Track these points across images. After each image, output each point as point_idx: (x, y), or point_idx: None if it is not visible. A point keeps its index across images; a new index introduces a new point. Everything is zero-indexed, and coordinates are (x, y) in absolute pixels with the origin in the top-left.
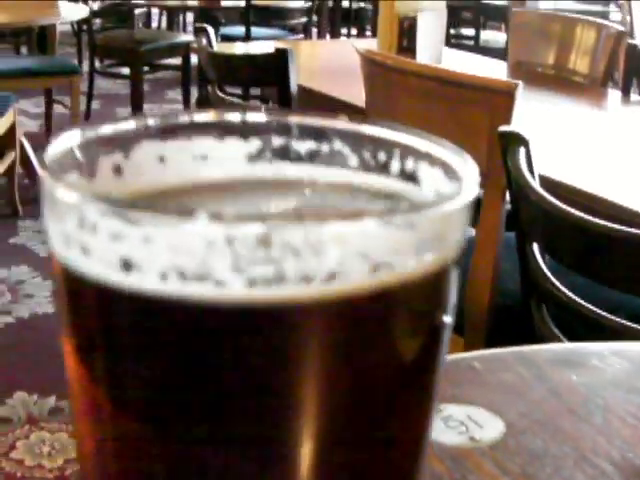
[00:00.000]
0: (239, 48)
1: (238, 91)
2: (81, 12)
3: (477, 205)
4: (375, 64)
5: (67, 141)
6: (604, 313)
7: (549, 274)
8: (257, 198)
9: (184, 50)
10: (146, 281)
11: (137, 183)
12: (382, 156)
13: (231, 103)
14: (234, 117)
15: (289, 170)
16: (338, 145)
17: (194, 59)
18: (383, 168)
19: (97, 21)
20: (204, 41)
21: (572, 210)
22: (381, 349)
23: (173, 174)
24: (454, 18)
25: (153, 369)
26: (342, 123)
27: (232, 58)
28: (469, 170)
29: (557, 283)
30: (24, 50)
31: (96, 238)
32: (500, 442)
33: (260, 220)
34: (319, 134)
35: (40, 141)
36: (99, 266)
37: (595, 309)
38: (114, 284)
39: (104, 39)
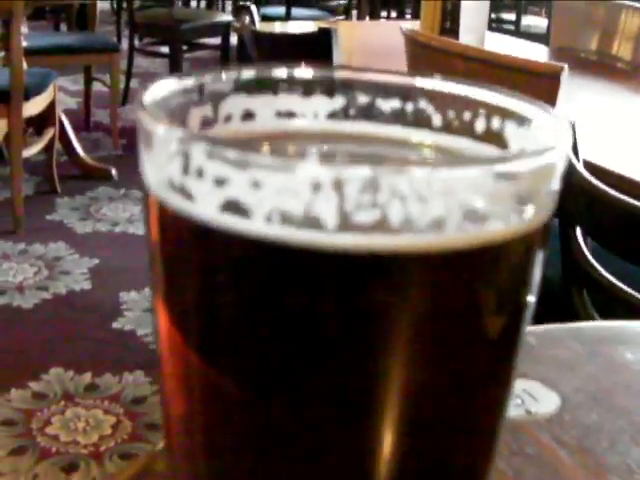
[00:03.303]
0: (281, 27)
1: None
2: None
3: None
4: (419, 45)
5: (160, 89)
6: None
7: (591, 258)
8: (344, 151)
9: (223, 29)
10: (252, 224)
11: (225, 135)
12: (467, 115)
13: None
14: (319, 74)
15: (371, 128)
16: (423, 104)
17: (233, 39)
18: (468, 128)
19: None
20: (247, 19)
21: (616, 193)
22: (474, 307)
23: (258, 129)
24: (495, 2)
25: (253, 313)
26: (427, 81)
27: (275, 37)
28: (562, 127)
29: (599, 267)
30: (63, 27)
31: (202, 181)
32: (556, 416)
33: (368, 165)
34: (404, 93)
35: (79, 118)
36: (204, 209)
37: (637, 294)
38: (219, 227)
39: (144, 17)
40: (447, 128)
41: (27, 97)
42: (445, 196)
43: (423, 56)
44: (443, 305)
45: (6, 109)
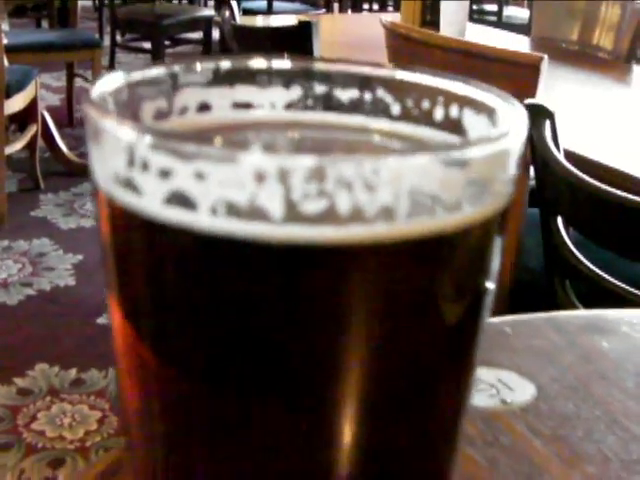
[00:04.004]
0: (262, 21)
1: None
2: None
3: None
4: (400, 37)
5: (110, 83)
6: (628, 287)
7: (573, 248)
8: (298, 141)
9: (205, 24)
10: (197, 217)
11: (179, 127)
12: (426, 104)
13: None
14: (276, 64)
15: (328, 118)
16: (381, 93)
17: (215, 33)
18: (427, 116)
19: None
20: (227, 14)
21: (597, 183)
22: (429, 297)
23: (214, 120)
24: None
25: (202, 306)
26: (385, 71)
27: (255, 30)
28: (518, 114)
29: (581, 257)
30: (45, 24)
31: (147, 174)
32: (531, 405)
33: (314, 154)
34: (362, 82)
35: (61, 115)
36: (149, 202)
37: (619, 283)
38: (165, 220)
39: (125, 13)
40: (406, 117)
41: (8, 94)
42: (394, 184)
43: (403, 48)
44: (394, 295)
45: None
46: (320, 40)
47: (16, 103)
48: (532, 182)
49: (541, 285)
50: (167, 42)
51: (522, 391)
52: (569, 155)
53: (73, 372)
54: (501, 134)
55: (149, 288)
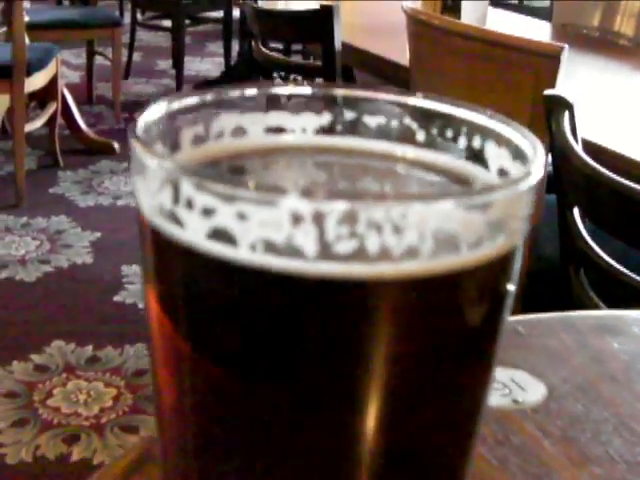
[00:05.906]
0: (283, 4)
1: (280, 46)
2: None
3: None
4: (421, 23)
5: (152, 114)
6: None
7: (590, 240)
8: (330, 172)
9: (226, 3)
10: (238, 252)
11: (216, 153)
12: (450, 133)
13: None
14: (307, 91)
15: (356, 143)
16: (407, 121)
17: (236, 13)
18: (450, 146)
19: None
20: None
21: (614, 175)
22: (451, 326)
23: (248, 145)
24: None
25: (238, 335)
26: (413, 99)
27: (277, 14)
28: (537, 151)
29: (597, 248)
30: (66, 2)
31: (191, 211)
32: (542, 405)
33: (346, 198)
34: (389, 109)
35: (81, 92)
36: (191, 235)
37: (634, 275)
38: (207, 253)
39: None
40: (430, 145)
41: (29, 72)
42: (420, 226)
43: (424, 35)
44: (418, 328)
45: (8, 84)
46: (341, 25)
47: (37, 81)
48: (549, 168)
49: (557, 273)
50: (187, 21)
51: (534, 391)
52: (587, 145)
53: (89, 349)
54: (520, 177)
55: (188, 314)
